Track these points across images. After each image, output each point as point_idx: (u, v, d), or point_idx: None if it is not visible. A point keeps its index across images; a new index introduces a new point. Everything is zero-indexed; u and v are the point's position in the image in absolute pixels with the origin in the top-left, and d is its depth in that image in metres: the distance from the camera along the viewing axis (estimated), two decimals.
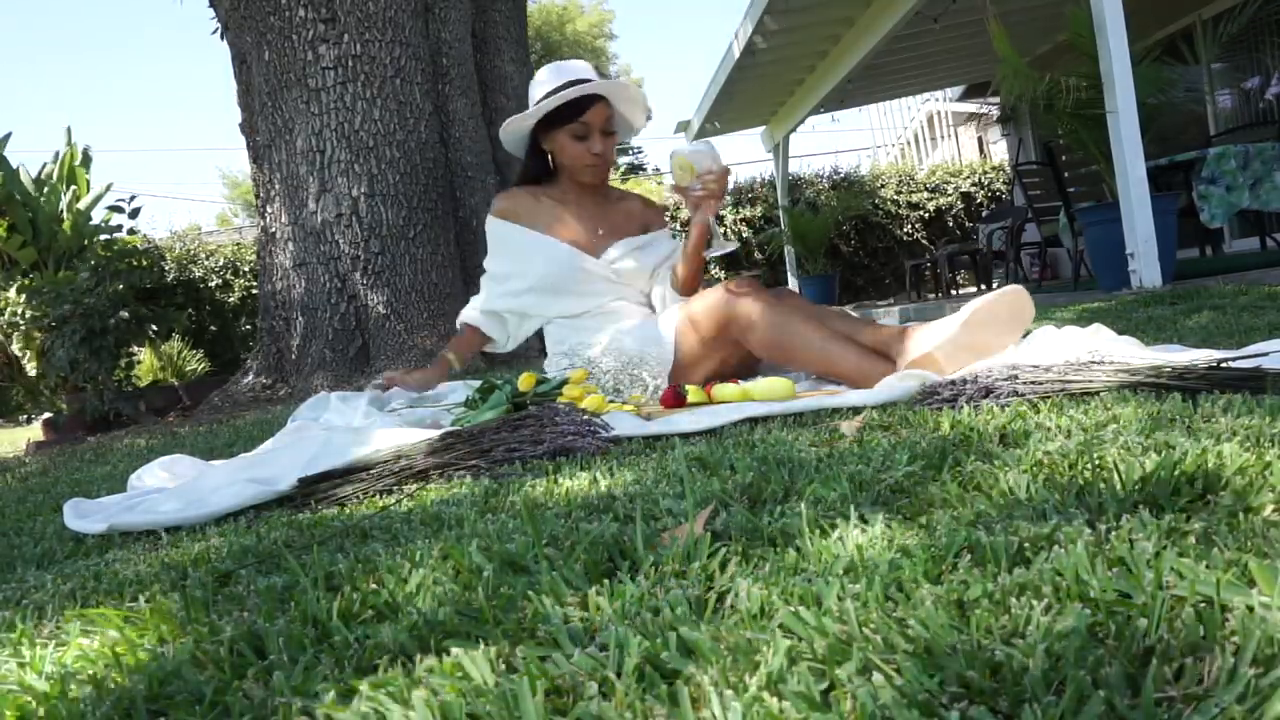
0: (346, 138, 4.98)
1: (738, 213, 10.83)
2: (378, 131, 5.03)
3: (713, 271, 10.13)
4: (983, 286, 8.32)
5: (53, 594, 0.95)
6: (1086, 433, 1.00)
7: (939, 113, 15.38)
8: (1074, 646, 0.46)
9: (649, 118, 2.31)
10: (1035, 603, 0.52)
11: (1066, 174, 5.01)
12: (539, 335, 2.31)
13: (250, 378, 5.23)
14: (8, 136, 7.15)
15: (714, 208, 1.99)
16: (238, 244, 10.17)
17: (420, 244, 5.09)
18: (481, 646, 0.58)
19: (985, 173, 11.47)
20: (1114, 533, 0.63)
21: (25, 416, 8.30)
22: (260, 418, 3.44)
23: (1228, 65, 7.22)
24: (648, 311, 2.19)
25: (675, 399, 1.76)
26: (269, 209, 5.23)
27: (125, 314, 5.48)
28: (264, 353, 5.28)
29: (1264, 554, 0.57)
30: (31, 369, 6.42)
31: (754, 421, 1.49)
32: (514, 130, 2.18)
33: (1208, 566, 0.55)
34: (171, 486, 1.63)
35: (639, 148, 27.10)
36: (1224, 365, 1.24)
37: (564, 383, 1.82)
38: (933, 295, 8.80)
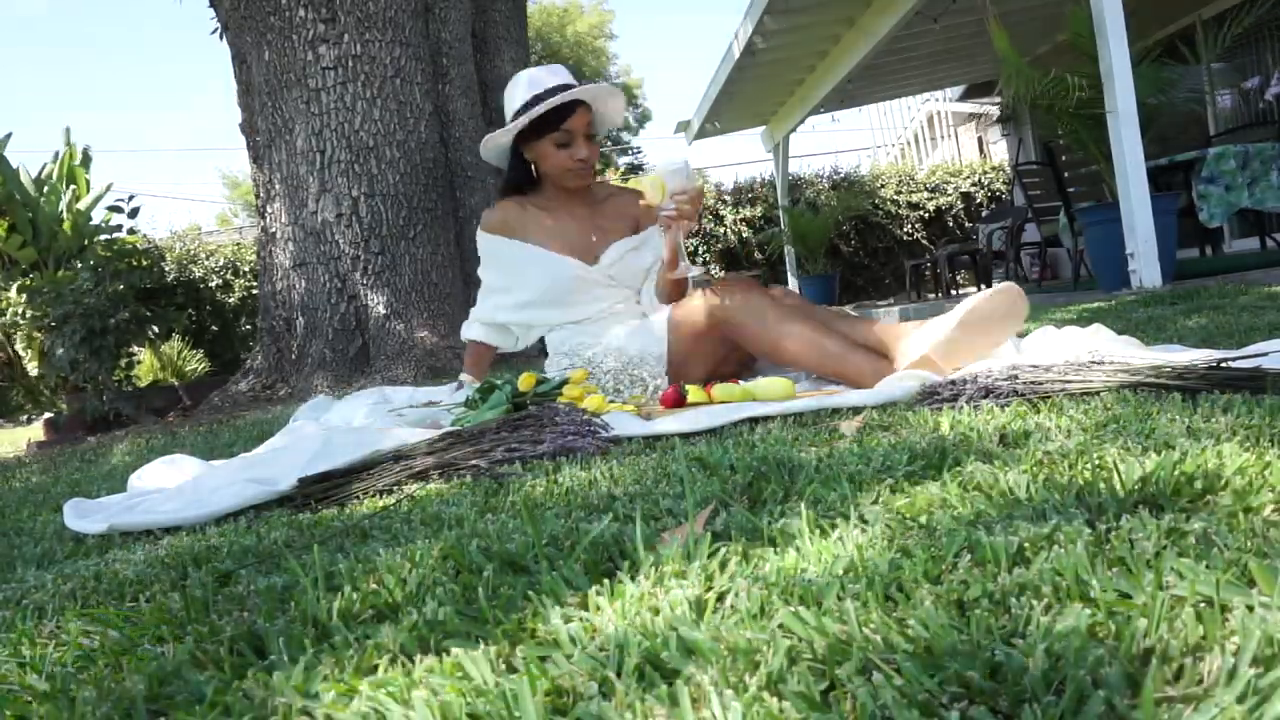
0: (346, 138, 4.99)
1: (738, 213, 10.83)
2: (378, 131, 5.03)
3: (712, 271, 10.14)
4: (982, 286, 8.32)
5: (53, 594, 0.95)
6: (1086, 433, 1.00)
7: (939, 113, 15.38)
8: (1074, 646, 0.46)
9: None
10: (1035, 603, 0.52)
11: (1066, 174, 5.01)
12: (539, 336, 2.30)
13: (250, 378, 5.24)
14: (8, 137, 7.15)
15: (685, 229, 1.94)
16: (238, 244, 10.17)
17: (420, 244, 5.10)
18: (481, 646, 0.58)
19: (985, 173, 11.47)
20: (1114, 533, 0.63)
21: (26, 416, 8.30)
22: (260, 418, 3.44)
23: (1228, 65, 7.22)
24: (643, 312, 2.18)
25: (675, 399, 1.76)
26: (269, 209, 5.23)
27: (125, 314, 5.48)
28: (264, 353, 5.28)
29: (1264, 554, 0.57)
30: (32, 369, 6.42)
31: (754, 421, 1.49)
32: (495, 144, 2.16)
33: (1208, 566, 0.55)
34: (171, 486, 1.63)
35: (639, 148, 27.09)
36: (1224, 365, 1.24)
37: (564, 383, 1.82)
38: (933, 295, 8.80)
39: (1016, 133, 10.26)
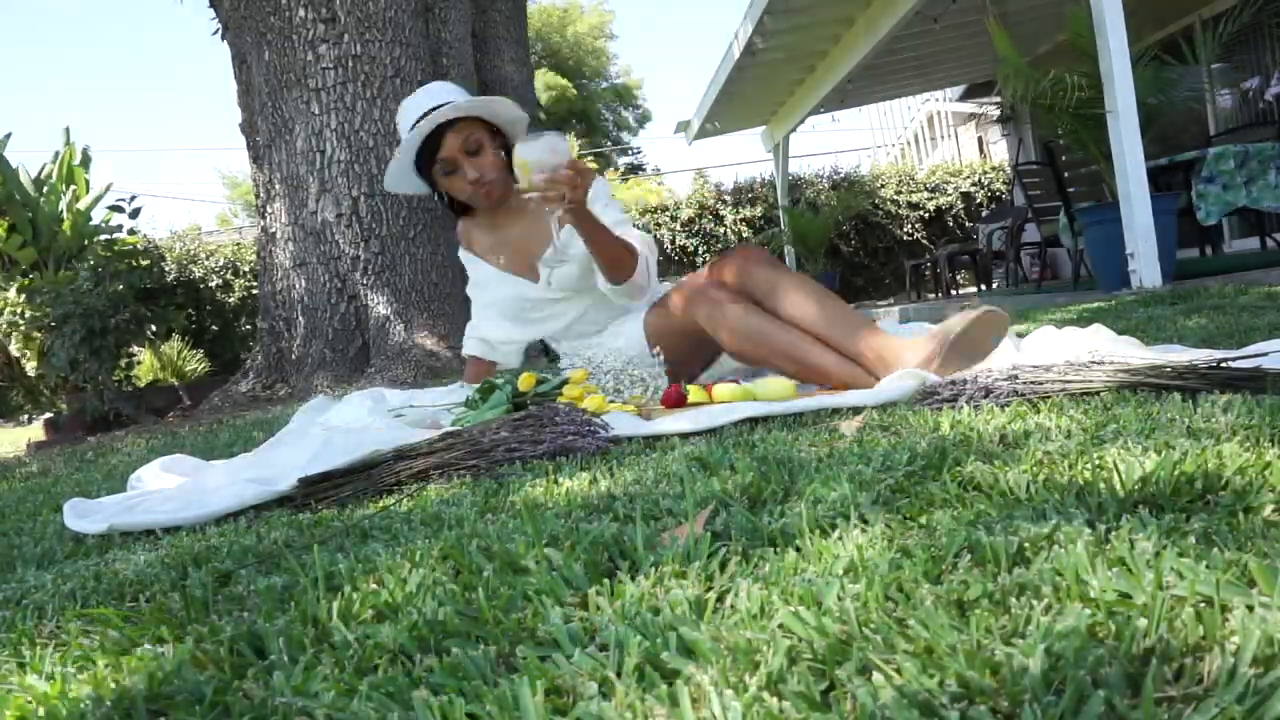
0: (346, 138, 4.99)
1: (738, 213, 10.84)
2: (378, 131, 5.03)
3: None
4: (982, 286, 8.31)
5: (53, 594, 0.95)
6: (1086, 433, 1.00)
7: (939, 113, 15.39)
8: (1074, 646, 0.46)
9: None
10: (1035, 603, 0.52)
11: (1066, 174, 5.01)
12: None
13: (250, 378, 5.24)
14: (8, 137, 7.15)
15: (561, 207, 1.68)
16: (238, 244, 10.17)
17: (420, 244, 5.10)
18: (481, 646, 0.58)
19: (985, 173, 11.48)
20: (1114, 533, 0.63)
21: (25, 416, 8.30)
22: (260, 418, 3.44)
23: (1228, 65, 7.22)
24: (626, 310, 2.11)
25: (676, 399, 1.76)
26: (269, 209, 5.23)
27: (125, 314, 5.48)
28: (264, 353, 5.28)
29: (1264, 554, 0.57)
30: (31, 369, 6.42)
31: (754, 421, 1.49)
32: (402, 187, 2.10)
33: (1208, 566, 0.55)
34: (171, 486, 1.63)
35: (638, 148, 27.11)
36: (1224, 365, 1.24)
37: (564, 383, 1.82)
38: (933, 295, 8.80)
39: (1016, 133, 10.26)
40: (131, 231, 6.93)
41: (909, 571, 0.61)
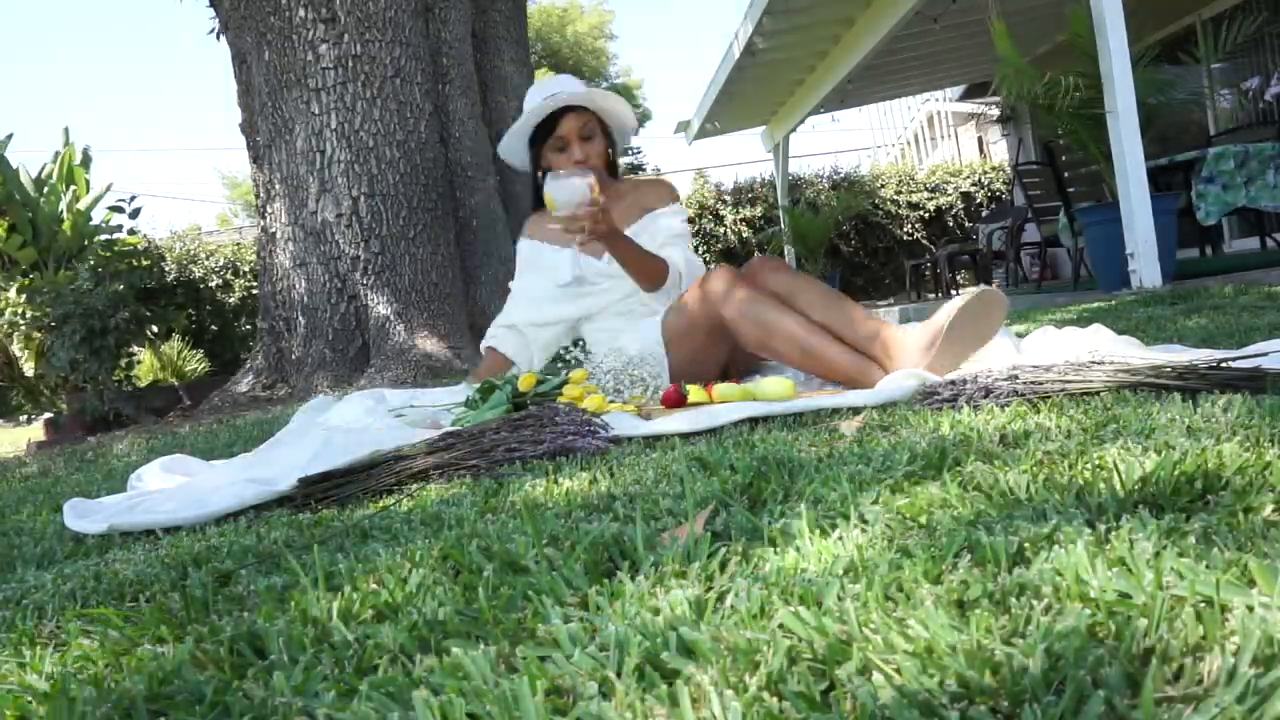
0: (346, 138, 4.98)
1: (738, 213, 10.83)
2: (378, 131, 5.03)
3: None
4: (983, 286, 8.28)
5: (53, 594, 0.95)
6: (1086, 433, 1.00)
7: (939, 113, 15.38)
8: (1074, 646, 0.46)
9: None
10: (1035, 603, 0.52)
11: (1066, 174, 5.01)
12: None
13: (250, 378, 5.24)
14: (8, 137, 7.15)
15: (582, 238, 1.96)
16: (238, 244, 10.17)
17: (420, 244, 5.09)
18: (481, 646, 0.58)
19: (985, 173, 11.47)
20: (1114, 533, 0.63)
21: (25, 416, 8.30)
22: (260, 418, 3.44)
23: (1228, 65, 7.22)
24: (654, 309, 2.19)
25: (676, 398, 1.76)
26: (269, 209, 5.23)
27: (125, 314, 5.48)
28: (264, 353, 5.28)
29: (1264, 554, 0.57)
30: (31, 369, 6.43)
31: (754, 421, 1.49)
32: (511, 152, 2.27)
33: (1208, 566, 0.55)
34: (171, 486, 1.63)
35: (638, 148, 27.10)
36: (1224, 365, 1.24)
37: (564, 383, 1.82)
38: (933, 295, 8.80)
39: (1016, 133, 10.26)
40: (131, 231, 6.94)
41: (909, 571, 0.61)
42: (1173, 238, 4.12)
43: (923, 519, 0.75)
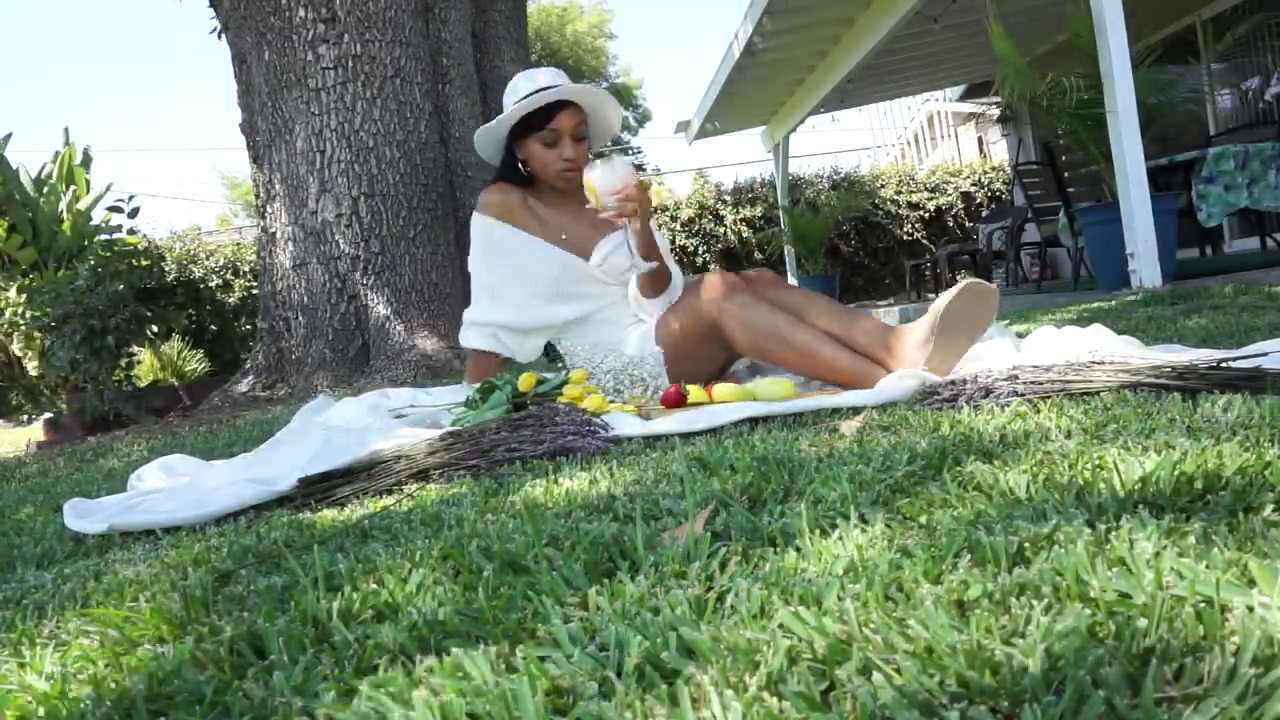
0: (346, 138, 4.98)
1: (738, 213, 10.83)
2: (378, 131, 5.03)
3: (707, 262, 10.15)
4: None
5: (53, 594, 0.95)
6: (1086, 433, 1.00)
7: (939, 113, 15.38)
8: (1074, 646, 0.46)
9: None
10: (1035, 603, 0.52)
11: (1066, 174, 5.01)
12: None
13: (250, 378, 5.24)
14: (8, 137, 7.15)
15: (634, 225, 1.93)
16: (238, 244, 10.17)
17: (420, 244, 5.09)
18: (481, 646, 0.58)
19: (985, 173, 11.47)
20: (1114, 533, 0.63)
21: (26, 416, 8.30)
22: (260, 418, 3.44)
23: (1228, 65, 7.22)
24: (641, 320, 2.16)
25: (676, 399, 1.76)
26: (269, 209, 5.23)
27: (125, 314, 5.48)
28: (264, 353, 5.28)
29: (1264, 554, 0.57)
30: (32, 369, 6.43)
31: (754, 421, 1.49)
32: (488, 138, 2.14)
33: (1208, 566, 0.55)
34: (171, 486, 1.63)
35: (638, 148, 27.09)
36: (1224, 365, 1.24)
37: (564, 383, 1.82)
38: (933, 295, 8.80)
39: (1016, 133, 10.26)
40: (131, 231, 6.93)
41: (909, 571, 0.61)
42: (1173, 238, 4.12)
43: (923, 519, 0.75)
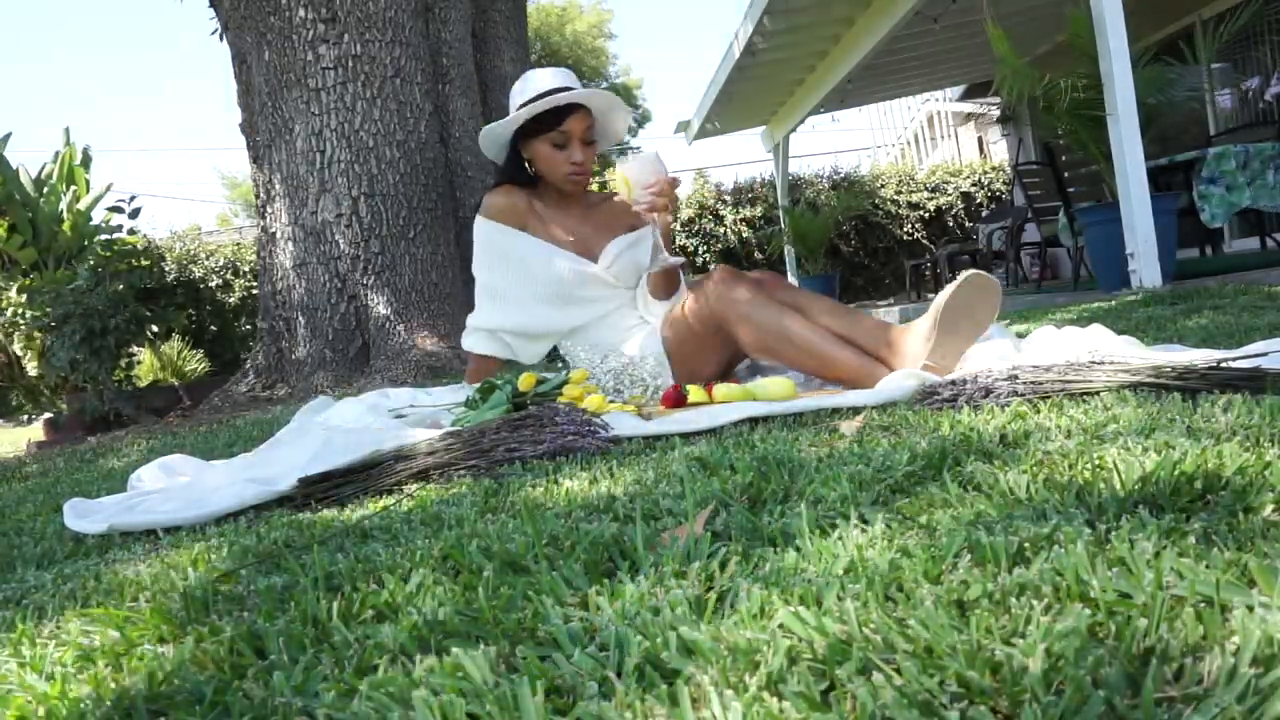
0: (346, 138, 4.99)
1: (738, 213, 10.83)
2: (378, 131, 5.03)
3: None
4: None
5: (53, 594, 0.95)
6: (1086, 433, 1.00)
7: (939, 113, 15.38)
8: (1074, 646, 0.46)
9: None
10: (1035, 603, 0.52)
11: (1066, 174, 5.01)
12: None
13: (250, 378, 5.24)
14: (8, 136, 7.15)
15: (661, 220, 1.97)
16: (238, 244, 10.16)
17: (420, 244, 5.10)
18: (481, 646, 0.58)
19: (985, 173, 11.47)
20: (1114, 533, 0.63)
21: (26, 416, 8.30)
22: (260, 418, 3.44)
23: (1228, 65, 7.22)
24: (647, 321, 2.16)
25: (676, 399, 1.76)
26: (269, 209, 5.23)
27: (125, 314, 5.48)
28: (264, 353, 5.28)
29: (1264, 554, 0.57)
30: (32, 369, 6.43)
31: (754, 421, 1.49)
32: (494, 137, 2.11)
33: (1208, 566, 0.55)
34: (171, 486, 1.63)
35: (638, 148, 27.10)
36: (1224, 365, 1.24)
37: (564, 383, 1.82)
38: (933, 295, 8.78)
39: (1016, 133, 10.26)
40: (131, 231, 6.93)
41: (909, 571, 0.61)
42: (1173, 238, 4.12)
43: (923, 519, 0.75)
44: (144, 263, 6.14)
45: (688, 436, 1.44)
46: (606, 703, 0.48)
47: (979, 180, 11.37)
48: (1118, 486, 0.75)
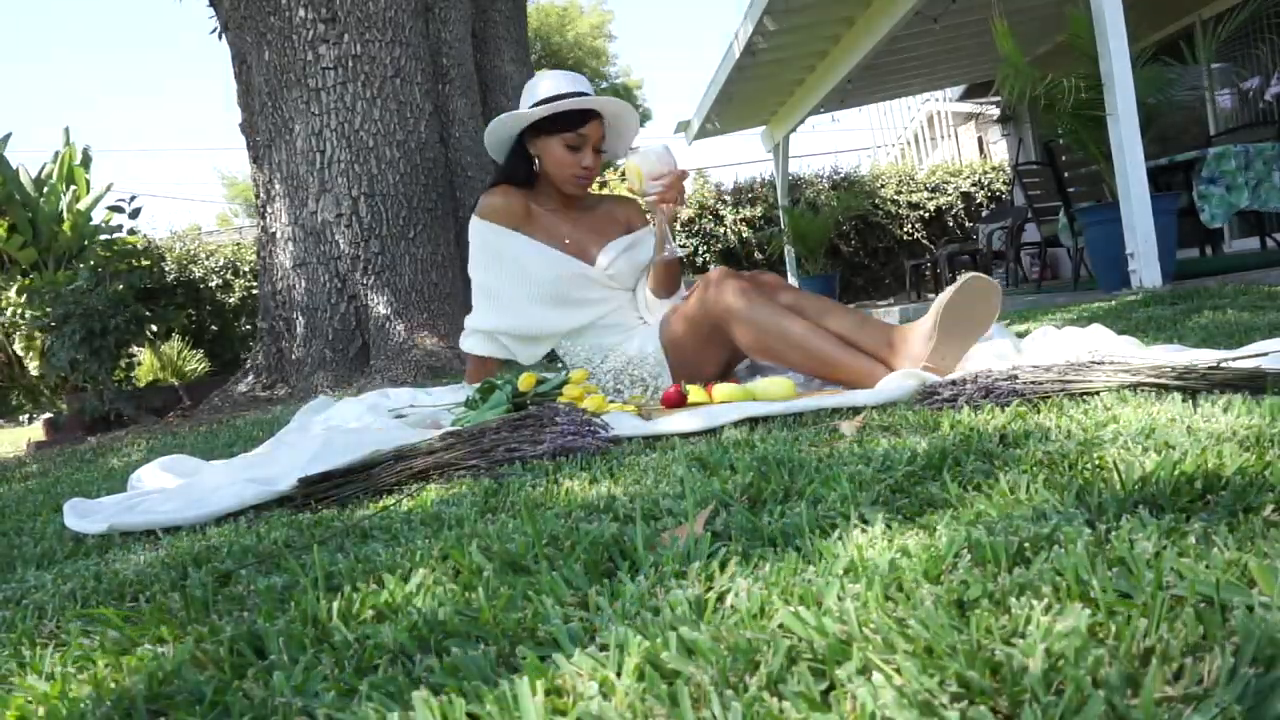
0: (346, 138, 4.98)
1: (738, 213, 10.83)
2: (378, 131, 5.03)
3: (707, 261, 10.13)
4: None
5: (53, 594, 0.95)
6: (1086, 433, 1.00)
7: (939, 113, 15.37)
8: (1074, 646, 0.46)
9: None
10: (1035, 603, 0.52)
11: (1066, 174, 5.01)
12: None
13: (250, 378, 5.24)
14: (8, 136, 7.15)
15: (668, 212, 1.97)
16: (238, 244, 10.16)
17: (420, 244, 5.10)
18: (481, 646, 0.58)
19: (985, 173, 11.47)
20: (1114, 533, 0.63)
21: (26, 416, 8.30)
22: (260, 418, 3.44)
23: (1228, 65, 7.22)
24: (647, 322, 2.16)
25: (676, 399, 1.76)
26: (269, 209, 5.23)
27: (125, 314, 5.48)
28: (264, 353, 5.28)
29: (1264, 554, 0.57)
30: (32, 369, 6.43)
31: (754, 421, 1.49)
32: (505, 128, 2.08)
33: (1208, 566, 0.55)
34: (171, 486, 1.63)
35: (637, 148, 27.06)
36: (1224, 365, 1.24)
37: (564, 383, 1.82)
38: (933, 295, 8.79)
39: (1016, 133, 10.26)
40: (131, 231, 6.93)
41: (909, 571, 0.61)
42: (1173, 238, 4.12)
43: (923, 519, 0.75)
44: (144, 263, 6.14)
45: (688, 436, 1.44)
46: (606, 703, 0.48)
47: (979, 180, 11.37)
48: (1118, 486, 0.75)
